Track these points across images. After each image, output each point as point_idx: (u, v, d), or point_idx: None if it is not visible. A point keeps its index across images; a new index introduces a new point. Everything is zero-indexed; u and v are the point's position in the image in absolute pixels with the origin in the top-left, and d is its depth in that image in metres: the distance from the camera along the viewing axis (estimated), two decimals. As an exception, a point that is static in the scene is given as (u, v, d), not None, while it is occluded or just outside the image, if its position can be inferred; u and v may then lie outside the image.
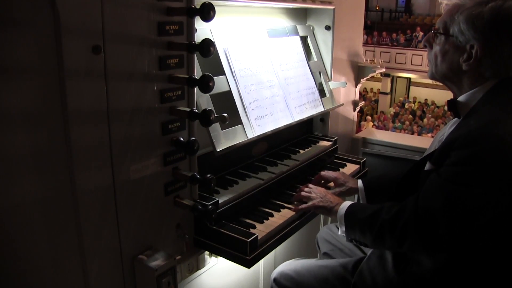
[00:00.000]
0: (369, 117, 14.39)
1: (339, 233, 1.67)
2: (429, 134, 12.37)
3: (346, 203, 1.66)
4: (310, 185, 1.89)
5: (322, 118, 2.61)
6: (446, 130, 1.63)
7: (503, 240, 1.39)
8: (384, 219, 1.46)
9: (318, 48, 2.52)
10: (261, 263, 2.29)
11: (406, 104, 16.71)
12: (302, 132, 2.58)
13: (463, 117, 1.51)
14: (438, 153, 1.43)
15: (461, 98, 1.52)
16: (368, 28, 17.23)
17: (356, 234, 1.58)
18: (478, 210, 1.31)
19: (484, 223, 1.34)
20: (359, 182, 1.98)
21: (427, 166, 1.51)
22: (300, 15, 2.48)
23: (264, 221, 1.77)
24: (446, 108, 1.73)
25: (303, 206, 1.80)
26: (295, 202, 1.89)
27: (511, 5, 1.36)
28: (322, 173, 2.07)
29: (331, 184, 2.07)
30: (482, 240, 1.38)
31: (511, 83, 1.44)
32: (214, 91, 1.53)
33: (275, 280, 1.90)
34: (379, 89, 18.00)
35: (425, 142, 3.47)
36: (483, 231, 1.36)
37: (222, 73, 1.83)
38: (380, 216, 1.48)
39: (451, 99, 1.56)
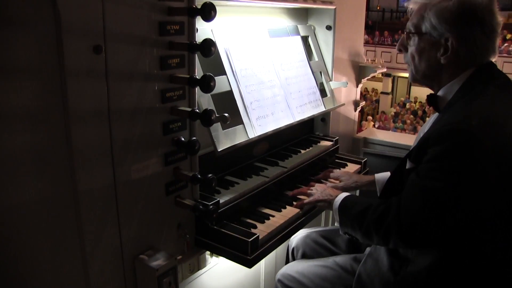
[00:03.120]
0: (370, 117, 14.38)
1: (335, 224, 1.69)
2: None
3: (341, 196, 1.69)
4: (313, 184, 1.94)
5: (323, 118, 2.60)
6: (428, 125, 1.66)
7: (491, 236, 1.39)
8: (370, 219, 1.49)
9: (319, 48, 2.52)
10: (262, 263, 2.29)
11: (407, 104, 16.70)
12: (303, 132, 2.58)
13: (442, 111, 1.54)
14: (416, 151, 1.46)
15: (440, 93, 1.56)
16: (369, 28, 17.23)
17: (348, 228, 1.62)
18: (455, 205, 1.33)
19: (462, 218, 1.35)
20: (377, 176, 2.04)
21: (408, 165, 1.54)
22: (301, 15, 2.48)
23: (265, 221, 1.77)
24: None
25: (306, 200, 1.84)
26: (294, 202, 1.91)
27: None
28: (331, 174, 2.14)
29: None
30: (464, 236, 1.39)
31: (483, 75, 1.47)
32: (215, 91, 1.52)
33: (279, 281, 1.92)
34: (376, 89, 18.00)
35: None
36: (463, 227, 1.37)
37: (223, 73, 1.83)
38: (367, 215, 1.51)
39: (431, 93, 1.60)
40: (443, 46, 1.48)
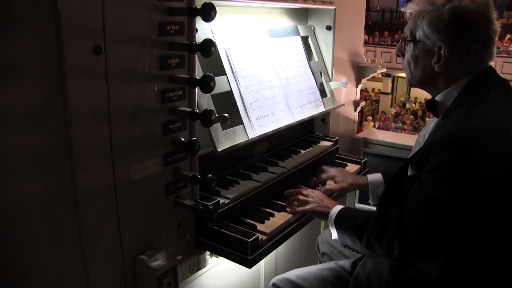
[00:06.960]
0: (370, 117, 14.37)
1: (332, 237, 1.67)
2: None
3: (336, 209, 1.66)
4: (308, 190, 1.86)
5: (323, 118, 2.60)
6: (428, 130, 1.66)
7: (495, 243, 1.39)
8: (370, 232, 1.48)
9: (319, 48, 2.52)
10: (262, 263, 2.29)
11: (407, 104, 16.69)
12: (303, 132, 2.58)
13: (442, 116, 1.54)
14: (418, 158, 1.45)
15: (438, 98, 1.56)
16: (369, 28, 17.22)
17: (347, 241, 1.61)
18: (459, 215, 1.32)
19: (467, 227, 1.34)
20: (369, 177, 2.01)
21: (409, 172, 1.52)
22: (301, 15, 2.48)
23: (265, 221, 1.76)
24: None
25: (301, 208, 1.77)
26: (288, 207, 1.84)
27: (466, 4, 1.41)
28: (324, 167, 2.10)
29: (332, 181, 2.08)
30: (469, 244, 1.38)
31: (482, 81, 1.46)
32: (215, 91, 1.52)
33: (274, 285, 1.88)
34: (379, 89, 17.99)
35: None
36: (467, 235, 1.36)
37: (223, 73, 1.83)
38: (367, 228, 1.50)
39: (429, 99, 1.61)
40: (437, 54, 1.48)
